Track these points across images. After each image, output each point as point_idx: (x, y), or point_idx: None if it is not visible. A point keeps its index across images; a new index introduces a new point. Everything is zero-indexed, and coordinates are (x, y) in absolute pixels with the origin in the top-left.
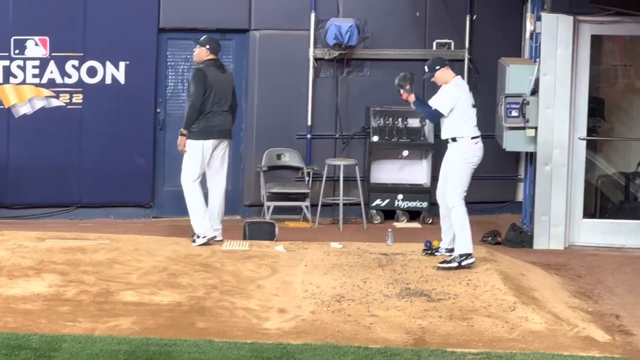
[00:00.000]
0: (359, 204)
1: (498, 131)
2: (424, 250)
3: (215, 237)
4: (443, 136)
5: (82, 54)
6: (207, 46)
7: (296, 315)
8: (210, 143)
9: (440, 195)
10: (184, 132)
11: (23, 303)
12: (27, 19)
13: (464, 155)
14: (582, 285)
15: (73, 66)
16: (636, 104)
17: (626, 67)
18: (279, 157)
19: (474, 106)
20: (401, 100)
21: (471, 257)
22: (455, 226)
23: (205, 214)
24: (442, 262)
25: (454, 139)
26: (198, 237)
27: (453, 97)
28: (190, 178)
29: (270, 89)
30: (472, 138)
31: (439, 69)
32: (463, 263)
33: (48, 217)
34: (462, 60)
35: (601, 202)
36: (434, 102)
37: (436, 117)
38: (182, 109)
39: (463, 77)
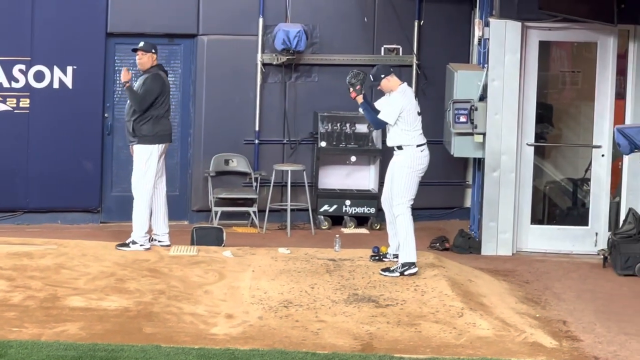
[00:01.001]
0: (307, 210)
1: (446, 137)
2: (372, 256)
3: (150, 248)
4: (389, 144)
5: (29, 58)
6: (153, 51)
7: (244, 320)
8: (162, 147)
9: (385, 201)
10: (127, 85)
11: None
12: None
13: (410, 164)
14: (529, 291)
15: (20, 70)
16: (584, 110)
17: (574, 73)
18: (226, 162)
19: (419, 114)
20: (349, 103)
21: (414, 267)
22: (400, 235)
23: (148, 224)
24: (384, 269)
25: (399, 147)
26: (135, 243)
27: (398, 107)
28: (149, 184)
29: (218, 94)
30: (418, 146)
31: (384, 77)
32: (405, 273)
33: None
34: (410, 66)
35: (549, 208)
36: (381, 110)
37: (381, 126)
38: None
39: (411, 83)
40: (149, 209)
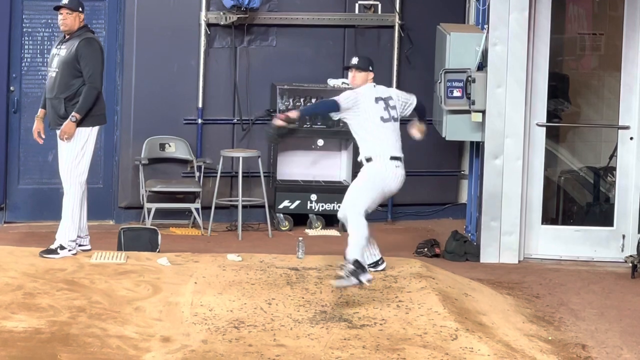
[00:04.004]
0: (263, 207)
1: (436, 116)
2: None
3: (76, 254)
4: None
5: None
6: (80, 9)
7: (184, 345)
8: (99, 129)
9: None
10: (78, 117)
11: None
12: None
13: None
14: (540, 308)
15: None
16: (608, 82)
17: (596, 36)
18: (162, 147)
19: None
20: (315, 73)
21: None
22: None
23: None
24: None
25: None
26: (62, 248)
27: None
28: (83, 176)
29: (152, 63)
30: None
31: (371, 71)
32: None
33: None
34: (392, 27)
35: (564, 204)
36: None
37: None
38: (42, 87)
39: (393, 48)
40: (80, 206)
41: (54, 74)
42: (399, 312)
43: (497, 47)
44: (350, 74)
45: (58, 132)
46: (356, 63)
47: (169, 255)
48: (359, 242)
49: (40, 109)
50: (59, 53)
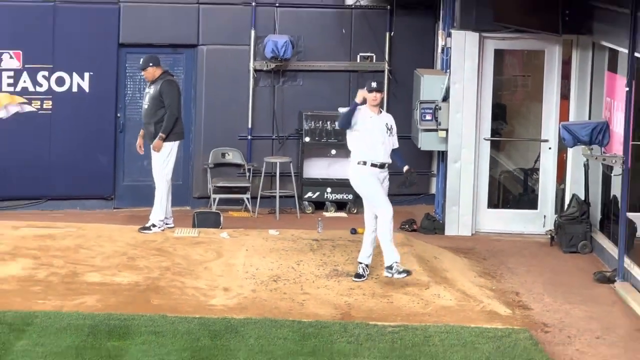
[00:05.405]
0: (293, 196)
1: (414, 133)
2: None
3: (163, 231)
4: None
5: (51, 66)
6: (151, 64)
7: (239, 293)
8: (179, 143)
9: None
10: (164, 136)
11: (0, 284)
12: (3, 35)
13: None
14: (486, 267)
15: (43, 76)
16: (533, 109)
17: (525, 77)
18: (223, 155)
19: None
20: (330, 103)
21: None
22: None
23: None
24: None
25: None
26: (154, 226)
27: None
28: (169, 176)
29: (216, 96)
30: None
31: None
32: None
33: (22, 208)
34: (383, 71)
35: (503, 194)
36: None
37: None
38: (139, 114)
39: (383, 87)
40: (167, 196)
41: (146, 106)
42: None
43: (457, 85)
44: (379, 95)
45: (151, 145)
46: (377, 86)
47: (229, 231)
48: None
49: (141, 130)
50: (149, 91)
